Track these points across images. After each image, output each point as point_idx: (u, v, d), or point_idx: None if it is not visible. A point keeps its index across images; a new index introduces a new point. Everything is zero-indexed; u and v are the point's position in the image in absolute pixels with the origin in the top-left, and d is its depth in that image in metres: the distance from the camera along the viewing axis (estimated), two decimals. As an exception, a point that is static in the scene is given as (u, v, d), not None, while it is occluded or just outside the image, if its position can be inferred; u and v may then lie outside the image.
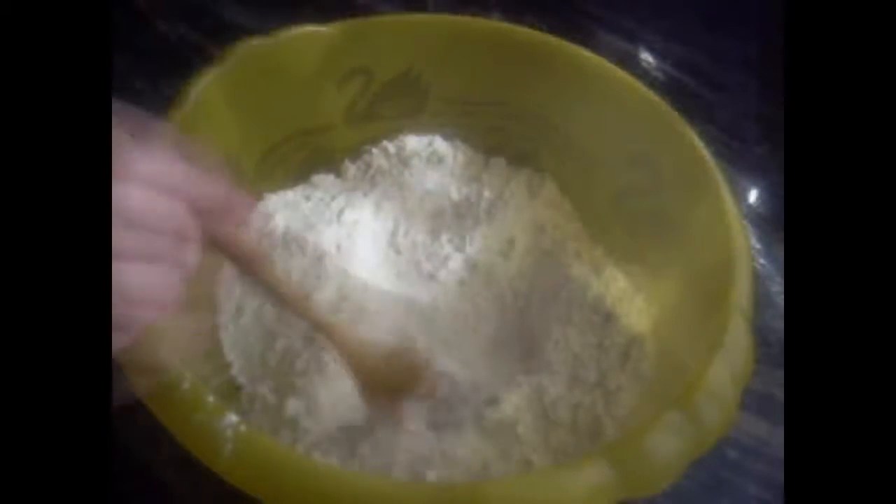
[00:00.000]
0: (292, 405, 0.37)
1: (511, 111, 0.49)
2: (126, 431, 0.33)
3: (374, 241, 0.47)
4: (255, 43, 0.44)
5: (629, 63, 0.60)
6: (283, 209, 0.47)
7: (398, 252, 0.47)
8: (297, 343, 0.39)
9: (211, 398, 0.29)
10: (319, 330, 0.37)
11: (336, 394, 0.39)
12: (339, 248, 0.45)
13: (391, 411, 0.35)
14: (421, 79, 0.48)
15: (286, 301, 0.35)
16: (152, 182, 0.25)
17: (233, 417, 0.28)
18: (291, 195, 0.48)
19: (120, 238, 0.23)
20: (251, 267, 0.33)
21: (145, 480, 0.37)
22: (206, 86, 0.41)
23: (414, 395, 0.36)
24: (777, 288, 0.49)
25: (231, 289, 0.42)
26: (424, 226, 0.48)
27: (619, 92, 0.44)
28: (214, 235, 0.29)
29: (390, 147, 0.50)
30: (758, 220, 0.53)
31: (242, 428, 0.28)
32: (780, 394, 0.43)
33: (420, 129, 0.50)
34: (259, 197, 0.47)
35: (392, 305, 0.43)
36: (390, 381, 0.36)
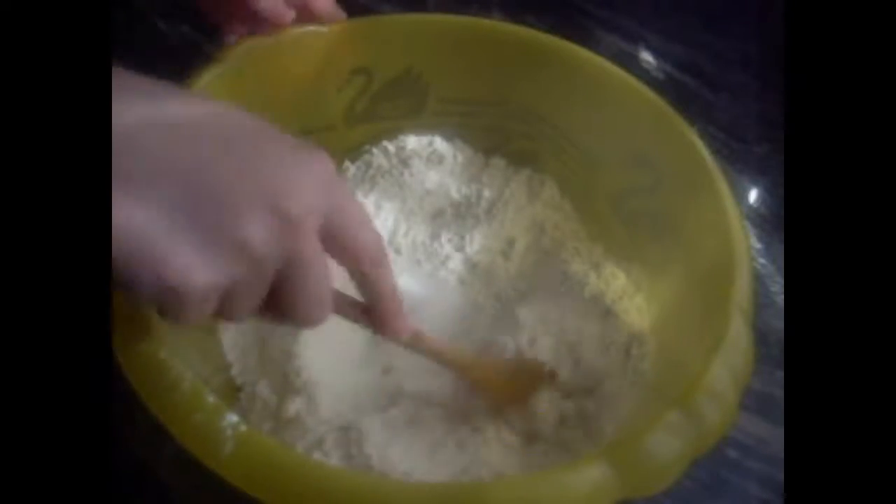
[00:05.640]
0: (292, 405, 0.37)
1: (511, 111, 0.49)
2: (126, 431, 0.33)
3: (374, 241, 0.47)
4: (255, 43, 0.44)
5: (629, 63, 0.60)
6: (284, 209, 0.47)
7: (398, 252, 0.47)
8: (297, 343, 0.39)
9: (211, 398, 0.29)
10: (433, 357, 0.37)
11: (336, 393, 0.39)
12: (339, 248, 0.45)
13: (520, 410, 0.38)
14: (421, 79, 0.48)
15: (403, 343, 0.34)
16: None
17: (233, 417, 0.28)
18: (292, 195, 0.48)
19: None
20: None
21: (145, 480, 0.37)
22: (206, 86, 0.41)
23: (536, 393, 0.38)
24: (777, 288, 0.49)
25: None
26: (424, 226, 0.48)
27: (619, 92, 0.44)
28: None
29: (390, 147, 0.50)
30: (758, 220, 0.53)
31: (242, 427, 0.28)
32: (780, 394, 0.43)
33: (420, 129, 0.50)
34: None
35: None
36: (512, 386, 0.38)
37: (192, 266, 0.23)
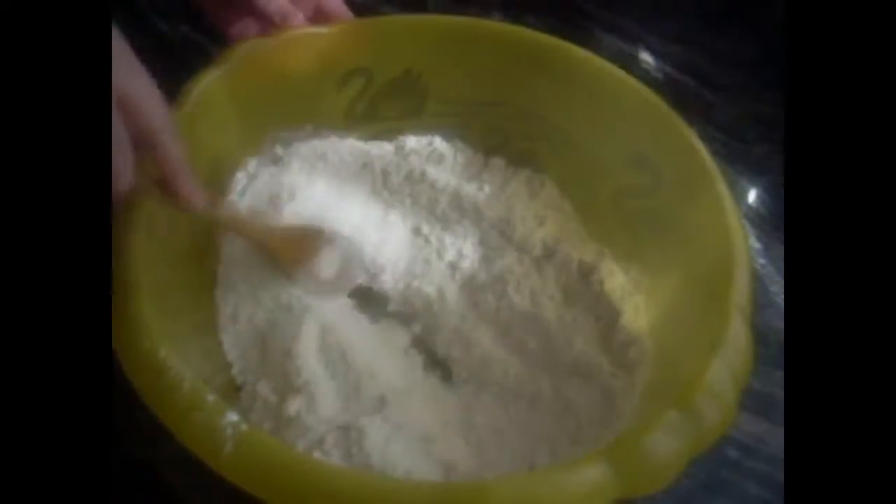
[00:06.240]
0: (292, 404, 0.37)
1: (511, 111, 0.49)
2: (126, 431, 0.33)
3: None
4: (255, 43, 0.44)
5: (629, 63, 0.60)
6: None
7: (396, 253, 0.47)
8: (297, 343, 0.39)
9: (211, 397, 0.29)
10: (228, 227, 0.42)
11: (336, 392, 0.39)
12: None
13: (306, 271, 0.43)
14: (421, 79, 0.49)
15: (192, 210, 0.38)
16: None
17: (233, 416, 0.28)
18: (292, 195, 0.48)
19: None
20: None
21: (145, 480, 0.37)
22: (206, 86, 0.41)
23: (318, 255, 0.43)
24: (777, 288, 0.49)
25: (230, 289, 0.43)
26: (425, 226, 0.48)
27: (619, 92, 0.44)
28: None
29: (390, 147, 0.50)
30: (758, 220, 0.53)
31: (243, 427, 0.28)
32: (780, 394, 0.43)
33: (420, 129, 0.50)
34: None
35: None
36: (297, 250, 0.43)
37: None
